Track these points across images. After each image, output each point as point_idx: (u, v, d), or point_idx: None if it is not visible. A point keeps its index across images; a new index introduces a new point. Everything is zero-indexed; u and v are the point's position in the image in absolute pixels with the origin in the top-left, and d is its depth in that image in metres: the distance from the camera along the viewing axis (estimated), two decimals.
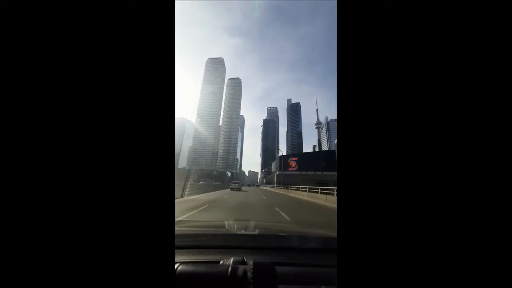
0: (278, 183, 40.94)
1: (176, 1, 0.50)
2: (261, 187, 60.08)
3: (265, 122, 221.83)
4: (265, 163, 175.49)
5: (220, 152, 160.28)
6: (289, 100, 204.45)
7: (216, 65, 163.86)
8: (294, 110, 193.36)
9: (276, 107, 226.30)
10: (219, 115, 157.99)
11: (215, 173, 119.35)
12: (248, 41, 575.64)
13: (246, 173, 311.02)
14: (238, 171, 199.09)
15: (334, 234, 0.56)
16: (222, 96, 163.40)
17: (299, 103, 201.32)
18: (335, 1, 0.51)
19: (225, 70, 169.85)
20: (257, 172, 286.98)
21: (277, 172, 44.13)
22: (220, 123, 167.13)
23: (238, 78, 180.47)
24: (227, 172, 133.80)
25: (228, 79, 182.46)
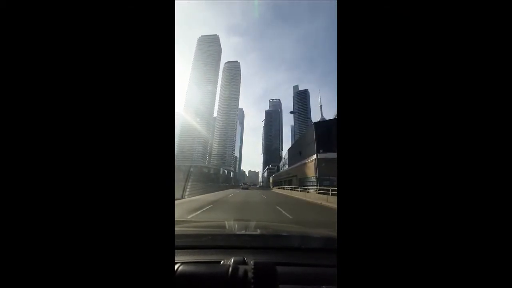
0: (322, 182, 16.48)
1: (176, 1, 0.50)
2: (273, 189, 32.39)
3: (268, 114, 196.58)
4: (268, 161, 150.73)
5: (215, 147, 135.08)
6: (295, 87, 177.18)
7: (210, 43, 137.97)
8: (302, 99, 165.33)
9: (279, 99, 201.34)
10: (213, 104, 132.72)
11: (212, 171, 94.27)
12: (248, 40, 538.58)
13: (246, 173, 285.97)
14: (237, 170, 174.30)
15: (335, 234, 0.57)
16: (217, 82, 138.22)
17: (307, 89, 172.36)
18: (335, 1, 0.51)
19: (221, 50, 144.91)
20: (258, 172, 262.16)
21: (314, 157, 18.99)
22: (215, 114, 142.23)
23: (237, 61, 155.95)
24: (224, 170, 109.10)
25: (225, 63, 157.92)
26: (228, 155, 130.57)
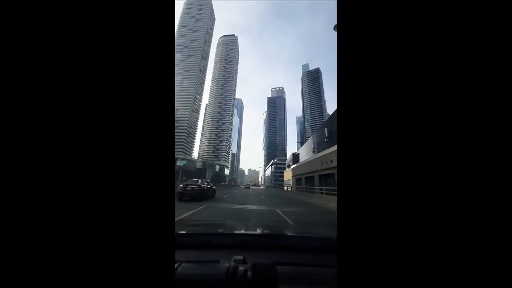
0: None
1: (176, 1, 0.44)
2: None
3: (271, 101, 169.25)
4: (271, 156, 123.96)
5: (206, 136, 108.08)
6: (305, 66, 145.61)
7: (200, 6, 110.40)
8: (313, 79, 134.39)
9: (282, 87, 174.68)
10: (202, 86, 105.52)
11: (199, 166, 67.54)
12: (247, 39, 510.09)
13: (246, 172, 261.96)
14: (235, 169, 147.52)
15: (335, 234, 0.58)
16: (208, 59, 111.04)
17: (318, 68, 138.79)
18: (335, 1, 0.51)
19: (214, 19, 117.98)
20: (258, 171, 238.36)
21: None
22: (207, 101, 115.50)
23: (234, 35, 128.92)
24: (217, 165, 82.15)
25: (220, 38, 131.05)
26: (223, 148, 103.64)
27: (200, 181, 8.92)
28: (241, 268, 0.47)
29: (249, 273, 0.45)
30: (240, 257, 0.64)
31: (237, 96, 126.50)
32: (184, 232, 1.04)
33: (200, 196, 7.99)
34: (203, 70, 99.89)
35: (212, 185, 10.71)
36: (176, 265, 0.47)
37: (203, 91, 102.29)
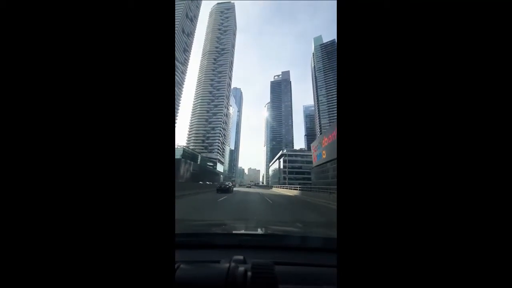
0: None
1: (176, 1, 0.18)
2: None
3: (275, 86, 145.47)
4: (275, 150, 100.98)
5: (194, 122, 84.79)
6: (317, 39, 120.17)
7: None
8: (329, 53, 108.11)
9: (288, 70, 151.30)
10: (187, 54, 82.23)
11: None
12: (247, 37, 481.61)
13: (246, 171, 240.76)
14: (233, 167, 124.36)
15: (335, 234, 0.59)
16: (196, 22, 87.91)
17: (334, 40, 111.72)
18: (335, 1, 0.50)
19: None
20: (259, 170, 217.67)
21: None
22: (192, 76, 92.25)
23: (230, 2, 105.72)
24: (207, 158, 59.15)
25: (213, 6, 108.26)
26: (216, 137, 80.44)
27: (227, 182, 19.13)
28: (241, 268, 0.47)
29: (248, 273, 0.46)
30: (240, 257, 0.64)
31: (234, 55, 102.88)
32: (184, 231, 1.04)
33: (227, 190, 15.73)
34: (188, 34, 76.60)
35: (232, 184, 20.50)
36: (175, 266, 0.47)
37: (188, 60, 78.86)
